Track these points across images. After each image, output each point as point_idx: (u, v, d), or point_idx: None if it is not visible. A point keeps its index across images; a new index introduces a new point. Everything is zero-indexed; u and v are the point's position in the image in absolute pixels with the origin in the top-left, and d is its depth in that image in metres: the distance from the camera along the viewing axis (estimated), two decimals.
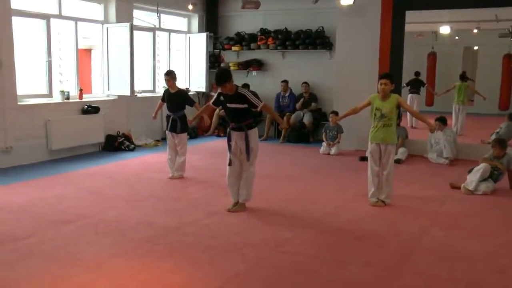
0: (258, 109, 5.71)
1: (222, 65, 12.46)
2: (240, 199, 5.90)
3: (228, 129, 5.87)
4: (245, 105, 5.63)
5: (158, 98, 8.22)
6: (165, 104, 7.69)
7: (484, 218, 5.89)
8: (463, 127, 11.96)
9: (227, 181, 5.94)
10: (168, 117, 7.55)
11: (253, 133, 5.79)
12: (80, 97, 9.43)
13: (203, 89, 12.28)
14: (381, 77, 6.27)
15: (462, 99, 12.13)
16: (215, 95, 5.86)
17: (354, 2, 9.44)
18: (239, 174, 5.87)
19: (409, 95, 13.06)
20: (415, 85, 13.20)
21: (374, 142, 6.21)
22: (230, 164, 5.84)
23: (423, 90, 13.61)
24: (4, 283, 3.86)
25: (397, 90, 8.28)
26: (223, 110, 5.89)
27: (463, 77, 12.46)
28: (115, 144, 9.74)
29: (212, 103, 5.88)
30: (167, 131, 7.62)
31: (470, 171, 7.09)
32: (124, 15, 10.02)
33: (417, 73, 13.35)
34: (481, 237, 5.17)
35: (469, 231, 5.36)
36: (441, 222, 5.69)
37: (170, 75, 7.56)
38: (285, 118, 11.21)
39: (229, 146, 5.80)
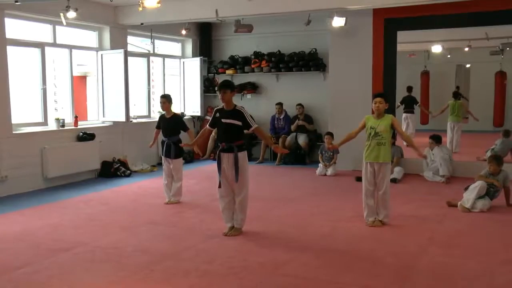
0: (250, 130, 5.72)
1: (216, 88, 12.49)
2: (236, 225, 5.87)
3: (218, 152, 5.83)
4: (240, 123, 5.65)
5: (153, 123, 8.23)
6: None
7: (482, 236, 5.87)
8: (458, 145, 11.99)
9: (220, 205, 5.91)
10: (163, 142, 7.55)
11: (243, 155, 5.78)
12: (76, 124, 9.44)
13: (198, 113, 12.31)
14: (375, 96, 6.31)
15: (456, 117, 12.18)
16: (211, 117, 5.87)
17: (345, 24, 9.54)
18: (231, 197, 5.85)
19: (404, 115, 13.10)
20: (409, 104, 13.25)
21: (368, 161, 6.21)
22: (220, 186, 5.82)
23: (417, 109, 13.68)
24: None
25: (391, 109, 8.35)
26: (217, 128, 5.85)
27: (457, 94, 12.53)
28: (111, 170, 9.72)
29: (209, 124, 5.87)
30: (163, 157, 7.61)
31: (466, 189, 7.09)
32: (118, 42, 10.09)
33: (409, 89, 13.38)
34: (480, 255, 5.14)
35: (468, 250, 5.34)
36: (439, 240, 5.67)
37: (166, 98, 7.59)
38: (280, 140, 11.24)
39: (219, 168, 5.78)
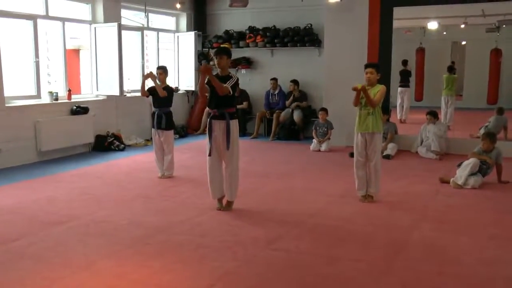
0: (223, 86, 5.45)
1: (211, 62, 12.45)
2: (228, 198, 5.88)
3: (209, 119, 5.74)
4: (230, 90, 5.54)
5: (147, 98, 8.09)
6: (150, 97, 7.59)
7: (473, 212, 5.94)
8: (451, 118, 12.03)
9: (208, 175, 5.83)
10: (153, 114, 7.51)
11: (234, 124, 5.73)
12: (69, 97, 9.39)
13: (192, 88, 12.28)
14: (366, 66, 6.29)
15: (450, 91, 12.20)
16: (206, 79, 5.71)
17: None
18: (220, 168, 5.84)
19: (399, 89, 13.10)
20: (404, 78, 13.24)
21: (359, 132, 6.20)
22: (210, 155, 5.78)
23: (412, 86, 13.66)
24: None
25: (387, 85, 8.33)
26: (209, 94, 5.70)
27: (451, 68, 12.53)
28: (105, 144, 9.71)
29: (206, 82, 5.62)
30: (152, 129, 7.57)
31: (459, 166, 7.14)
32: (112, 15, 9.98)
33: (405, 62, 13.35)
34: (471, 231, 5.21)
35: (459, 225, 5.40)
36: (431, 216, 5.73)
37: (163, 69, 7.54)
38: (274, 115, 11.25)
39: (209, 136, 5.73)
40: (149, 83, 7.54)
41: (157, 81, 7.35)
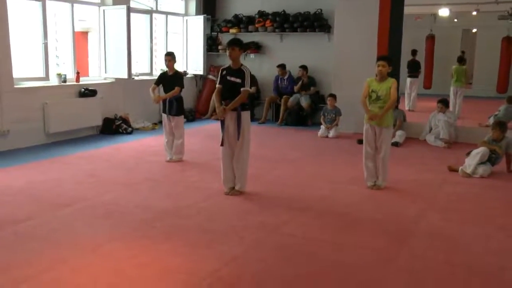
0: (241, 89, 5.60)
1: (219, 47, 12.41)
2: (237, 187, 5.89)
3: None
4: (240, 81, 5.62)
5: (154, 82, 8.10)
6: (160, 87, 7.62)
7: (481, 201, 5.91)
8: (460, 110, 11.95)
9: (222, 164, 5.89)
10: (164, 99, 7.51)
11: (246, 114, 5.78)
12: (77, 80, 9.38)
13: (201, 72, 12.25)
14: (378, 59, 6.25)
15: (460, 82, 12.09)
16: (219, 76, 5.82)
17: None
18: (232, 158, 5.86)
19: (408, 79, 13.02)
20: (413, 68, 13.15)
21: (369, 124, 6.18)
22: (222, 144, 5.83)
23: (421, 74, 13.57)
24: (3, 265, 3.87)
25: (396, 73, 8.27)
26: (222, 86, 5.77)
27: (461, 59, 12.41)
28: (113, 127, 9.71)
29: (218, 83, 5.78)
30: (163, 114, 7.59)
31: (468, 154, 7.10)
32: None
33: (414, 52, 13.25)
34: (478, 220, 5.19)
35: (467, 214, 5.37)
36: (439, 205, 5.71)
37: (171, 56, 7.52)
38: (282, 100, 11.20)
39: (222, 126, 5.78)
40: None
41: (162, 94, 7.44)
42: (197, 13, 12.41)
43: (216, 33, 12.60)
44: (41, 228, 4.68)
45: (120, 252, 4.18)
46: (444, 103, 9.23)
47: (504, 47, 13.39)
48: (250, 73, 5.71)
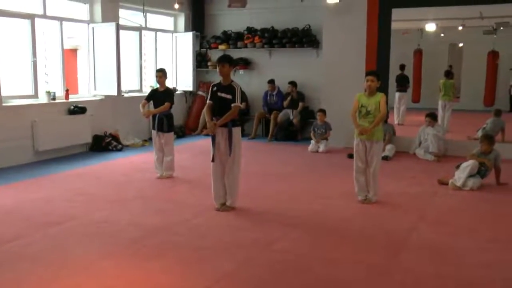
0: (232, 105, 5.64)
1: (209, 63, 12.45)
2: (228, 203, 5.88)
3: None
4: (231, 97, 5.65)
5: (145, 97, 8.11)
6: (151, 103, 7.62)
7: (471, 214, 5.94)
8: (448, 123, 12.03)
9: (212, 180, 5.89)
10: (154, 116, 7.50)
11: (237, 130, 5.80)
12: (66, 97, 9.35)
13: (190, 88, 12.27)
14: (367, 74, 6.29)
15: (447, 96, 12.21)
16: (210, 92, 5.85)
17: (340, 0, 9.45)
18: (223, 174, 5.85)
19: (396, 93, 13.11)
20: (402, 83, 13.25)
21: (359, 139, 6.21)
22: (213, 160, 5.83)
23: (409, 88, 13.67)
24: None
25: (385, 87, 8.33)
26: (213, 103, 5.79)
27: (448, 73, 12.55)
28: (103, 144, 9.67)
29: (209, 99, 5.83)
30: (153, 131, 7.58)
31: (457, 167, 7.14)
32: (109, 15, 9.94)
33: (402, 67, 13.36)
34: (469, 233, 5.20)
35: (457, 227, 5.39)
36: (430, 218, 5.73)
37: (163, 72, 7.54)
38: (272, 116, 11.23)
39: (213, 142, 5.79)
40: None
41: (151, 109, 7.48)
42: (186, 29, 12.47)
43: (205, 49, 12.65)
44: (31, 248, 4.63)
45: (111, 271, 4.14)
46: (432, 117, 9.30)
47: (489, 61, 13.54)
48: (241, 89, 5.74)
